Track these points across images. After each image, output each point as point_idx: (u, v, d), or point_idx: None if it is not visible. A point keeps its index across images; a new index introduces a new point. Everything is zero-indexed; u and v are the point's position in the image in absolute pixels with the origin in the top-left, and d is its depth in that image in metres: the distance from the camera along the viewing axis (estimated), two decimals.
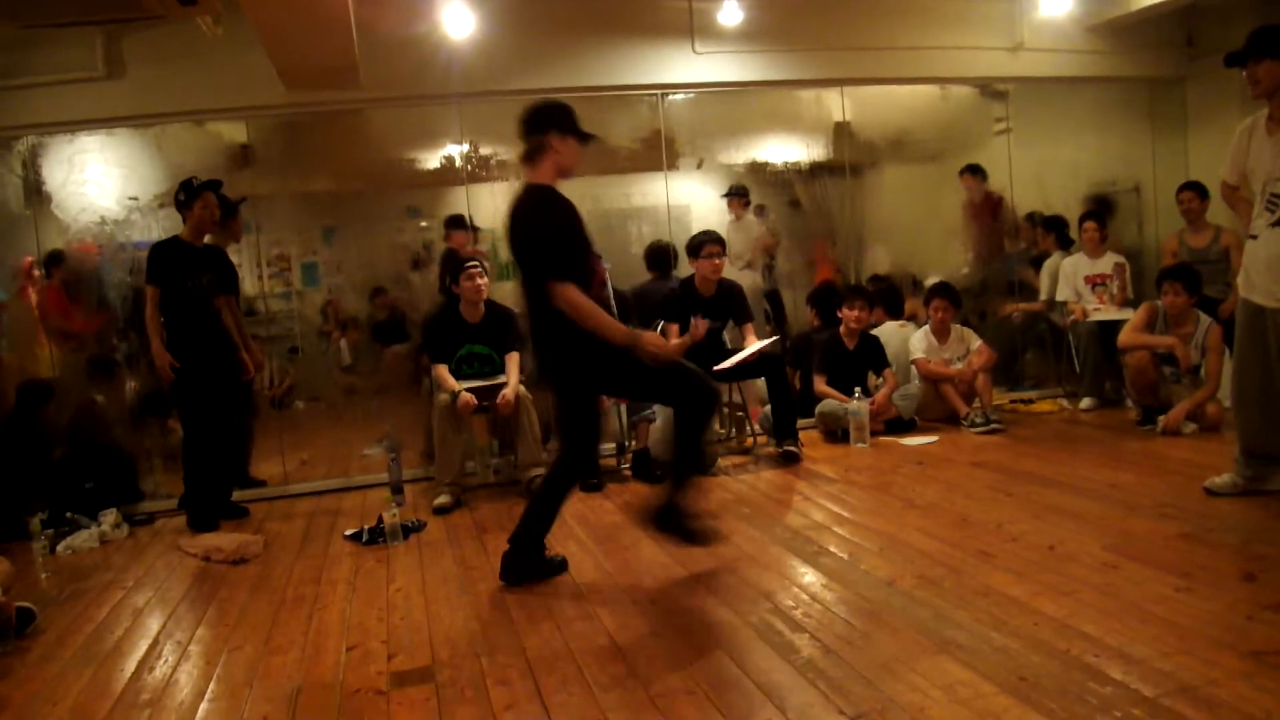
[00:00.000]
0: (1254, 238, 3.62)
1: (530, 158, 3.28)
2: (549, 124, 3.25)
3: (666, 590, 3.22)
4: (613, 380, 3.45)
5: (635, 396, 3.76)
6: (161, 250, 4.66)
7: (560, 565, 3.52)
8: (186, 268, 4.66)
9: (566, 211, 3.21)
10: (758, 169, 6.68)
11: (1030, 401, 6.25)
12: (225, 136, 5.62)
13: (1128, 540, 3.33)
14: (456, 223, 5.95)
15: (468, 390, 4.77)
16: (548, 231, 3.16)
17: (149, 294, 4.64)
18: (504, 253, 6.18)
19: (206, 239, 4.84)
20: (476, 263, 5.00)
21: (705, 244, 5.24)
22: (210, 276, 4.75)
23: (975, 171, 6.84)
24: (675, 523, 3.33)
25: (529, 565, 3.43)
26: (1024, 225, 6.98)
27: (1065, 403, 6.17)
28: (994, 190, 6.86)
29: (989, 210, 6.87)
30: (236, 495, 5.08)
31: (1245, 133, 3.66)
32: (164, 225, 5.36)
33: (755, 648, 2.66)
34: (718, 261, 5.23)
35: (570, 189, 3.29)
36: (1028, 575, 3.05)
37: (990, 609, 2.78)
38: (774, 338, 5.38)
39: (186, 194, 4.68)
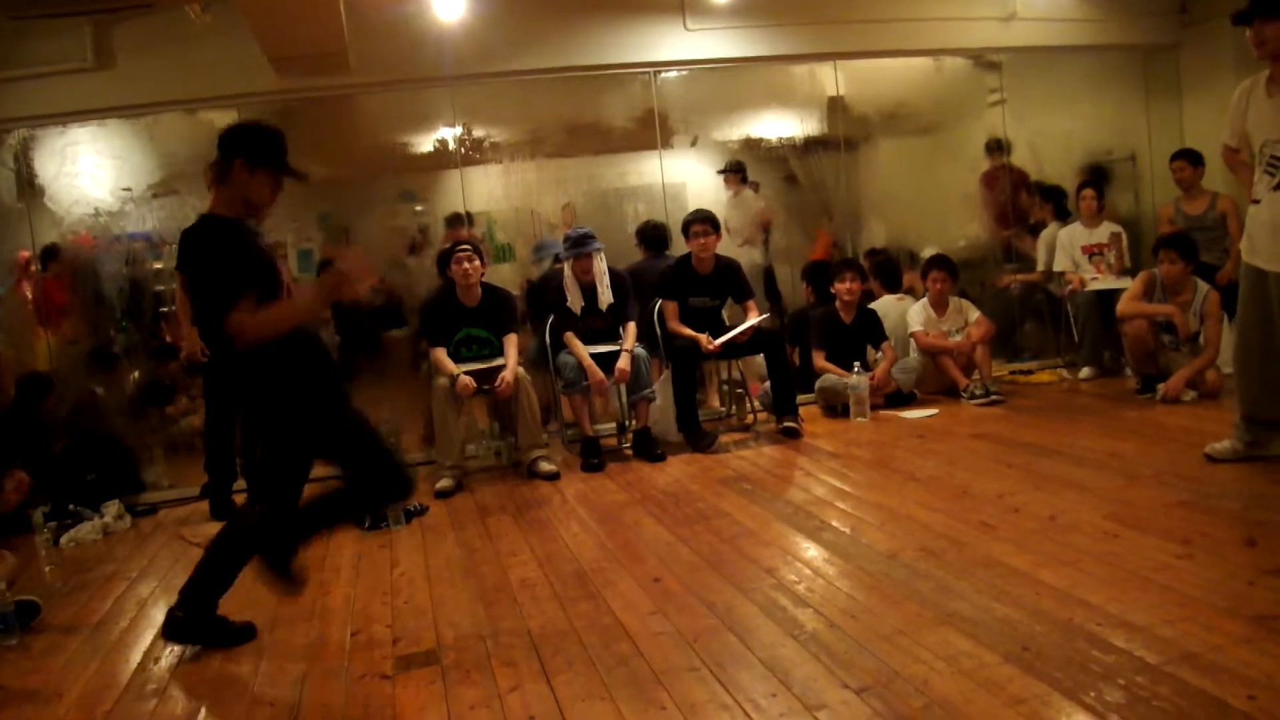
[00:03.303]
0: (1256, 202, 3.58)
1: (219, 179, 2.82)
2: (237, 149, 2.79)
3: (669, 568, 3.22)
4: (292, 424, 2.88)
5: (317, 450, 3.01)
6: None
7: (244, 633, 3.02)
8: None
9: (228, 244, 2.73)
10: (752, 145, 6.64)
11: (1029, 372, 6.25)
12: (217, 125, 5.55)
13: (1128, 509, 3.33)
14: (455, 221, 5.97)
15: (466, 373, 4.77)
16: (211, 268, 2.72)
17: (179, 280, 4.63)
18: (499, 235, 6.18)
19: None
20: (468, 247, 4.97)
21: (693, 223, 5.25)
22: None
23: (996, 146, 6.82)
24: (275, 553, 2.89)
25: (197, 625, 2.95)
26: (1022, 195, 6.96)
27: (1064, 373, 6.17)
28: (1016, 166, 6.83)
29: (1008, 184, 6.84)
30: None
31: (1244, 94, 3.62)
32: (158, 216, 5.35)
33: (759, 623, 2.67)
34: (704, 240, 5.23)
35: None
36: (1029, 546, 3.06)
37: (992, 580, 2.79)
38: (764, 315, 5.37)
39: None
